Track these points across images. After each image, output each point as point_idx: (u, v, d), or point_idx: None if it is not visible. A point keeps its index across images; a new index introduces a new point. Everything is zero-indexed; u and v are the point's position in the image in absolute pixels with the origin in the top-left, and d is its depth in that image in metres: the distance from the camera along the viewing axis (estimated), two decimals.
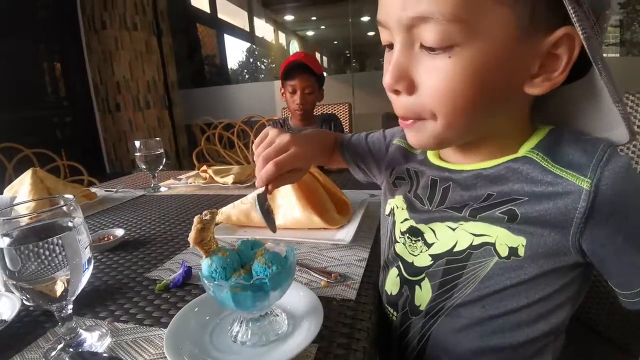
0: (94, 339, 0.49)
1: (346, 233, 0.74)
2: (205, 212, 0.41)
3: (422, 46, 0.39)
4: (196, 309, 0.49)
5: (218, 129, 3.16)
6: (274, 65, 6.20)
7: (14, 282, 0.43)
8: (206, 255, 0.42)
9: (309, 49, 6.67)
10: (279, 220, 0.81)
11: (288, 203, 0.81)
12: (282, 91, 1.73)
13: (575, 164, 0.41)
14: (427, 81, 0.40)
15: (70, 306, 0.47)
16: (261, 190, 0.52)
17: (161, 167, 1.33)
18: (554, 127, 0.46)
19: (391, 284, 0.55)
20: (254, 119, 3.23)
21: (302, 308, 0.49)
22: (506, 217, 0.43)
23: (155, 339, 0.49)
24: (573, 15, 0.34)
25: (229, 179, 1.30)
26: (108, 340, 0.49)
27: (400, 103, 0.43)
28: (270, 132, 0.57)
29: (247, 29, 6.07)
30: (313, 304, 0.49)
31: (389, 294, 0.55)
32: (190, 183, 1.36)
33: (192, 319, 0.48)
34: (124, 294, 0.63)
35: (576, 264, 0.43)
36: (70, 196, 0.48)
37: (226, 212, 0.84)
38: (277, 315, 0.47)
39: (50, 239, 0.43)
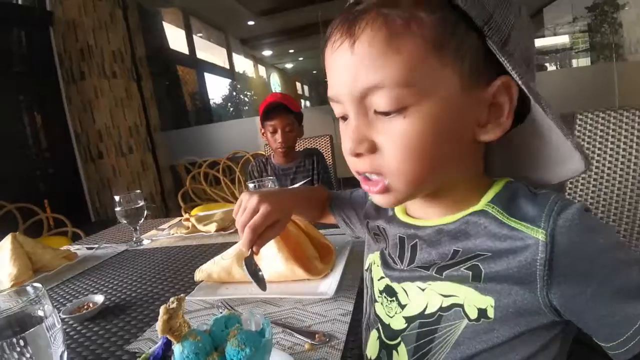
0: None
1: (329, 285, 0.73)
2: (172, 299, 0.40)
3: (376, 112, 0.41)
4: None
5: (203, 167, 3.15)
6: (255, 98, 6.29)
7: None
8: (177, 341, 0.41)
9: (288, 81, 6.80)
10: None
11: (269, 255, 0.80)
12: (263, 131, 1.75)
13: (529, 217, 0.41)
14: (386, 142, 0.41)
15: None
16: (248, 253, 0.58)
17: (142, 220, 1.31)
18: (510, 180, 0.47)
19: (371, 347, 0.53)
20: (238, 154, 3.24)
21: None
22: (471, 273, 0.42)
23: None
24: (508, 65, 0.37)
25: (212, 227, 1.28)
26: None
27: (363, 162, 0.44)
28: (243, 198, 0.63)
29: (227, 66, 6.18)
30: None
31: (369, 357, 0.53)
32: (173, 234, 1.34)
33: None
34: None
35: (553, 323, 0.42)
36: (38, 285, 0.47)
37: (206, 270, 0.83)
38: None
39: (19, 338, 0.41)
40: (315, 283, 0.76)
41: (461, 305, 0.43)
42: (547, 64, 4.90)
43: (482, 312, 0.42)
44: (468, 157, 0.45)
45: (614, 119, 1.28)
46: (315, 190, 0.81)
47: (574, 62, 4.74)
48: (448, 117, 0.40)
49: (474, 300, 0.42)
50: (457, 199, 0.47)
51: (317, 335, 0.59)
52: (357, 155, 0.43)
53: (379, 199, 0.46)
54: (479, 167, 0.47)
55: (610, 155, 1.30)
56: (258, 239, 0.59)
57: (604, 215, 1.29)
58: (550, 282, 0.39)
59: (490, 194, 0.45)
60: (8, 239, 1.12)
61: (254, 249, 0.59)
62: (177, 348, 0.41)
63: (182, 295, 0.42)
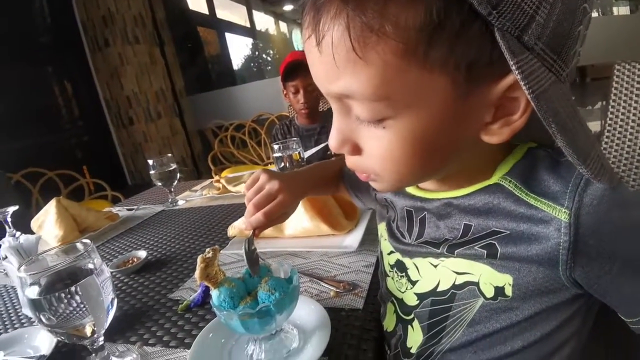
0: None
1: (353, 239, 0.77)
2: (208, 249, 0.45)
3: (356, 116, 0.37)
4: (210, 334, 0.53)
5: (229, 130, 3.21)
6: (278, 57, 6.19)
7: (49, 328, 0.49)
8: (214, 287, 0.46)
9: None
10: (288, 231, 0.84)
11: (296, 213, 0.83)
12: (285, 92, 1.74)
13: (550, 193, 0.36)
14: (368, 147, 0.38)
15: (101, 338, 0.52)
16: (249, 233, 0.55)
17: (176, 182, 1.38)
18: (533, 145, 0.41)
19: (389, 320, 0.53)
20: (263, 116, 3.26)
21: (312, 322, 0.52)
22: (486, 252, 0.39)
23: None
24: (517, 73, 0.29)
25: (241, 188, 1.34)
26: None
27: (348, 160, 0.41)
28: (261, 176, 0.59)
29: (247, 24, 6.06)
30: (322, 317, 0.52)
31: (385, 329, 0.53)
32: (205, 195, 1.41)
33: (211, 341, 0.52)
34: (151, 316, 0.67)
35: (576, 296, 0.39)
36: (87, 241, 0.52)
37: (238, 227, 0.88)
38: (288, 332, 0.51)
39: (72, 289, 0.47)
40: (340, 238, 0.80)
41: (476, 284, 0.41)
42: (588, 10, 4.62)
43: (499, 291, 0.39)
44: (475, 148, 0.38)
45: None
46: (331, 165, 0.75)
47: (615, 10, 4.44)
48: (438, 125, 0.34)
49: (490, 278, 0.40)
50: (473, 174, 0.42)
51: (342, 284, 0.63)
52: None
53: (373, 184, 0.43)
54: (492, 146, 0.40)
55: None
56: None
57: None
58: (574, 264, 0.36)
59: (506, 166, 0.40)
60: (52, 203, 1.20)
61: (256, 231, 0.56)
62: (214, 293, 0.46)
63: (216, 246, 0.46)
